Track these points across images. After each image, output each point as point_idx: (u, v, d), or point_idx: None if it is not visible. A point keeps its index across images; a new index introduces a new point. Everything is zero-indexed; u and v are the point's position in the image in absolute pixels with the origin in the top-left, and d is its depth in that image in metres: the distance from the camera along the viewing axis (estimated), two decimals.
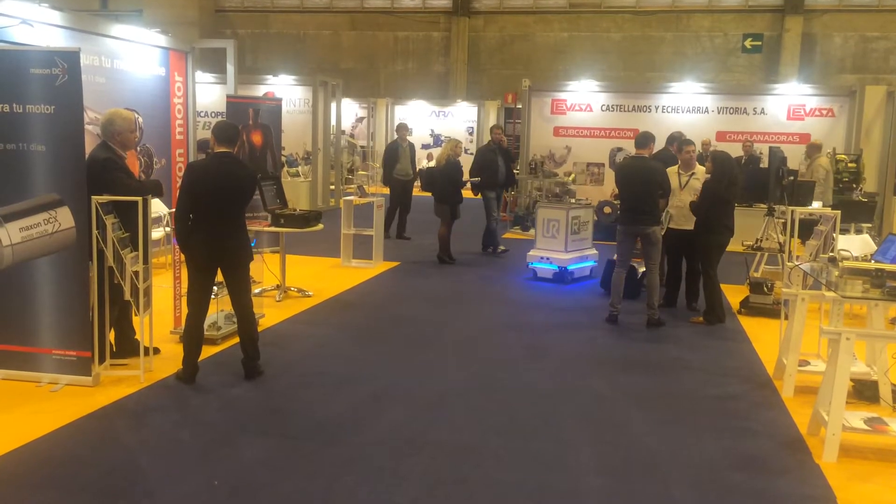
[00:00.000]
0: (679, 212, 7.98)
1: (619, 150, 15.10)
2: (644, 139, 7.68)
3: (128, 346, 5.92)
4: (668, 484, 4.24)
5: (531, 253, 9.90)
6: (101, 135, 5.72)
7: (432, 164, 12.00)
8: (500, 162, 11.78)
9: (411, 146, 13.32)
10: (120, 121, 5.69)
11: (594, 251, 10.11)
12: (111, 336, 5.84)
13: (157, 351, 6.02)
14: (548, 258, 9.69)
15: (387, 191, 13.12)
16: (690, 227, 7.88)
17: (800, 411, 5.33)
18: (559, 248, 9.68)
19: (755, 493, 4.16)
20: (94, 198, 5.32)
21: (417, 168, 14.02)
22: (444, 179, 10.62)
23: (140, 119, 8.09)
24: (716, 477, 4.35)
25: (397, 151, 12.87)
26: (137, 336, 5.91)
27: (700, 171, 8.06)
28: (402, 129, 13.37)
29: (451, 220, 10.73)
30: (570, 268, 9.66)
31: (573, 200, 9.97)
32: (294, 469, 4.27)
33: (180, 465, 4.29)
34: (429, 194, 11.10)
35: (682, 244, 8.07)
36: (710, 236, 7.65)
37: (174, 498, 3.92)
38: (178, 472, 4.20)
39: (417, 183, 12.88)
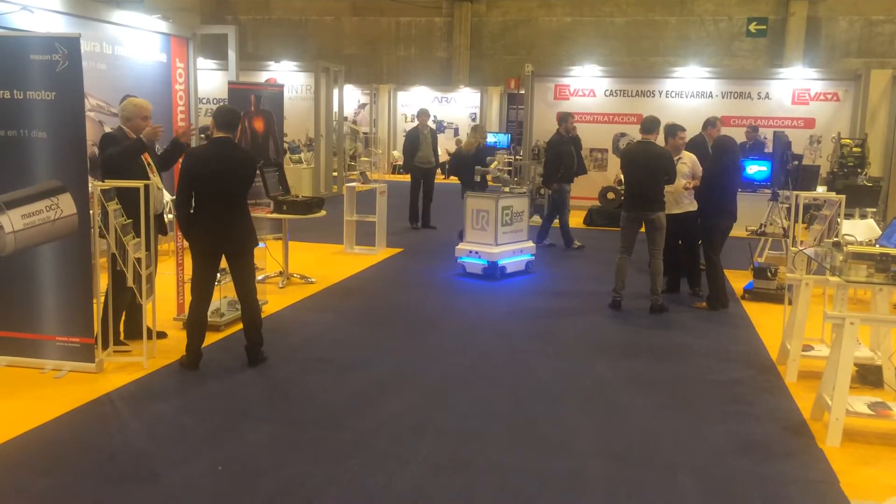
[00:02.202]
0: (669, 196, 7.90)
1: (623, 135, 15.05)
2: (651, 124, 7.63)
3: (136, 330, 5.91)
4: (672, 468, 4.25)
5: (460, 247, 9.11)
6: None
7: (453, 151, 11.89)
8: (573, 152, 11.30)
9: (433, 132, 12.86)
10: (130, 107, 5.80)
11: (530, 244, 9.35)
12: (121, 320, 5.87)
13: (163, 335, 6.04)
14: (477, 252, 8.91)
15: (407, 178, 12.96)
16: (678, 210, 7.88)
17: (803, 396, 5.33)
18: (489, 242, 8.87)
19: (758, 477, 4.16)
20: (96, 184, 5.32)
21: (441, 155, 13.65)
22: (472, 164, 10.79)
23: None
24: (719, 461, 4.35)
25: (418, 138, 12.51)
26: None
27: (686, 156, 8.05)
28: (423, 115, 12.90)
29: None
30: (501, 262, 8.89)
31: (507, 189, 9.23)
32: (297, 454, 4.28)
33: (184, 451, 4.30)
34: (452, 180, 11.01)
35: (674, 229, 8.01)
36: (713, 221, 7.63)
37: (178, 482, 3.93)
38: (182, 457, 4.21)
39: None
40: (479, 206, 8.94)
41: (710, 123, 8.90)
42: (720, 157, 7.64)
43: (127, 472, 4.02)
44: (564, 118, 11.23)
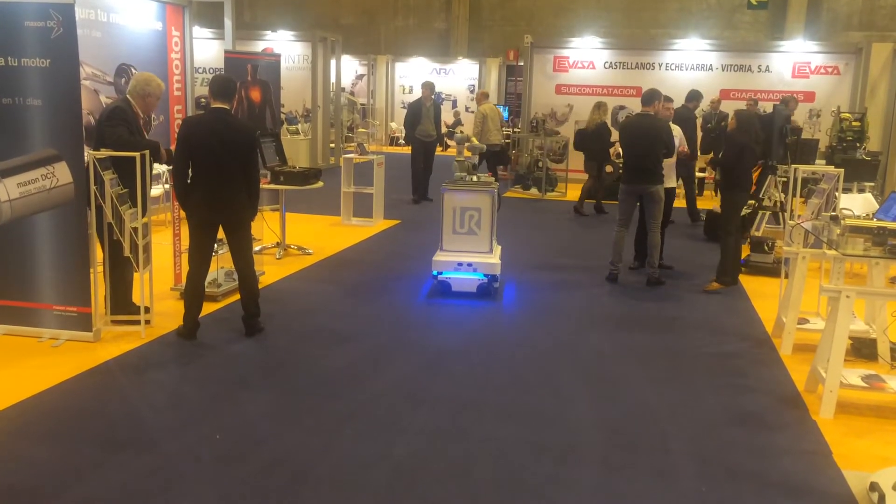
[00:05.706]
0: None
1: (622, 108, 14.97)
2: (650, 96, 7.59)
3: (120, 306, 5.86)
4: (667, 439, 4.28)
5: (439, 258, 6.93)
6: (128, 90, 5.73)
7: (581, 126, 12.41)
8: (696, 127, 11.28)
9: (436, 105, 12.67)
10: (156, 85, 5.74)
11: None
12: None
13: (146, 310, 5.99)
14: (470, 264, 6.84)
15: (405, 150, 12.86)
16: (670, 185, 7.89)
17: (798, 368, 5.36)
18: (482, 249, 6.88)
19: (753, 447, 4.20)
20: (92, 153, 5.28)
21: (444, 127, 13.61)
22: (594, 139, 11.78)
23: None
24: (714, 432, 4.39)
25: (419, 111, 12.34)
26: (133, 297, 5.91)
27: (677, 130, 8.02)
28: (427, 87, 12.65)
29: (598, 174, 11.89)
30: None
31: (473, 179, 7.07)
32: (295, 423, 4.31)
33: (182, 419, 4.33)
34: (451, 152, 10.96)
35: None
36: (736, 193, 7.45)
37: (176, 451, 3.95)
38: (180, 426, 4.24)
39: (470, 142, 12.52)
40: (464, 204, 6.90)
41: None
42: (741, 124, 7.36)
43: (125, 440, 4.04)
44: (696, 96, 11.21)
